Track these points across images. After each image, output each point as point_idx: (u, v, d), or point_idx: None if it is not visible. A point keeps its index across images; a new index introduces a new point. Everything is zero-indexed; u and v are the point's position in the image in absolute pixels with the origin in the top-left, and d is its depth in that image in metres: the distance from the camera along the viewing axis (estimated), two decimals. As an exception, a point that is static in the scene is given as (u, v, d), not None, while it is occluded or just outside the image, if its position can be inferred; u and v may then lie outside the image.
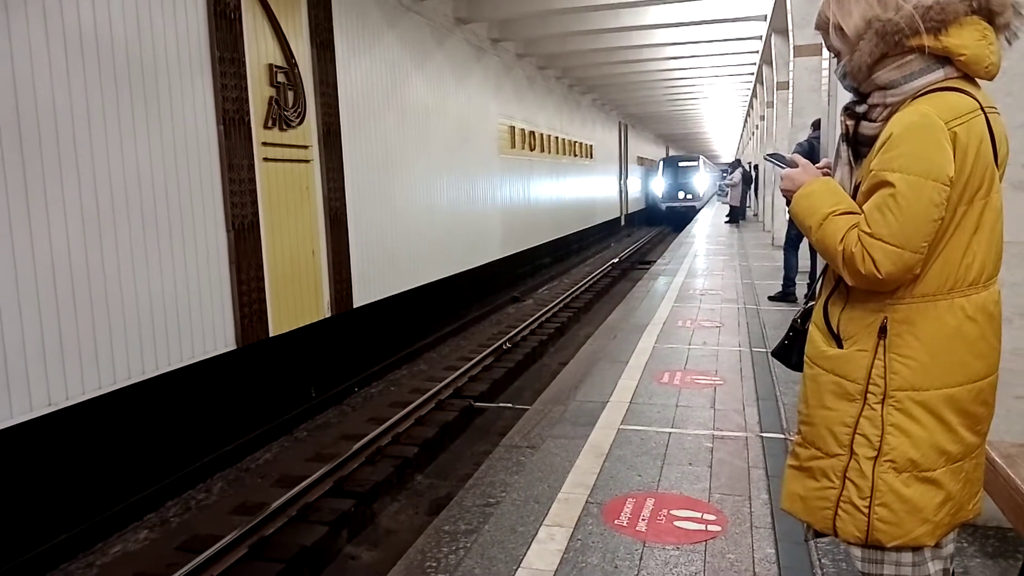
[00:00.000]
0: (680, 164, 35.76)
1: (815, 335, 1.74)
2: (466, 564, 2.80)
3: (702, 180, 35.83)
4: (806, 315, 1.88)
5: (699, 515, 3.15)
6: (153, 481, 5.96)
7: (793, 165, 1.80)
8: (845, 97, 1.79)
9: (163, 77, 6.04)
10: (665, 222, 34.56)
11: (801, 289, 8.24)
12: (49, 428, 5.06)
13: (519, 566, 2.77)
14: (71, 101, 5.19)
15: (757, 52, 16.78)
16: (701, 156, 37.75)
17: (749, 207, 24.57)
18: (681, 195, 34.57)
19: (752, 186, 23.33)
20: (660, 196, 35.27)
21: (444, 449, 7.33)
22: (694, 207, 33.32)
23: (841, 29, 1.67)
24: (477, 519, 3.15)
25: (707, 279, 10.45)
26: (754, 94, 22.31)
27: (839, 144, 1.78)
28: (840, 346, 1.67)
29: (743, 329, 6.98)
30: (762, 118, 19.76)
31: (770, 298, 8.48)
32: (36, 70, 4.93)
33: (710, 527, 3.04)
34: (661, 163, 36.39)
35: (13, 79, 4.77)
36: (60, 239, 5.10)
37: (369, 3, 9.46)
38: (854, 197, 1.65)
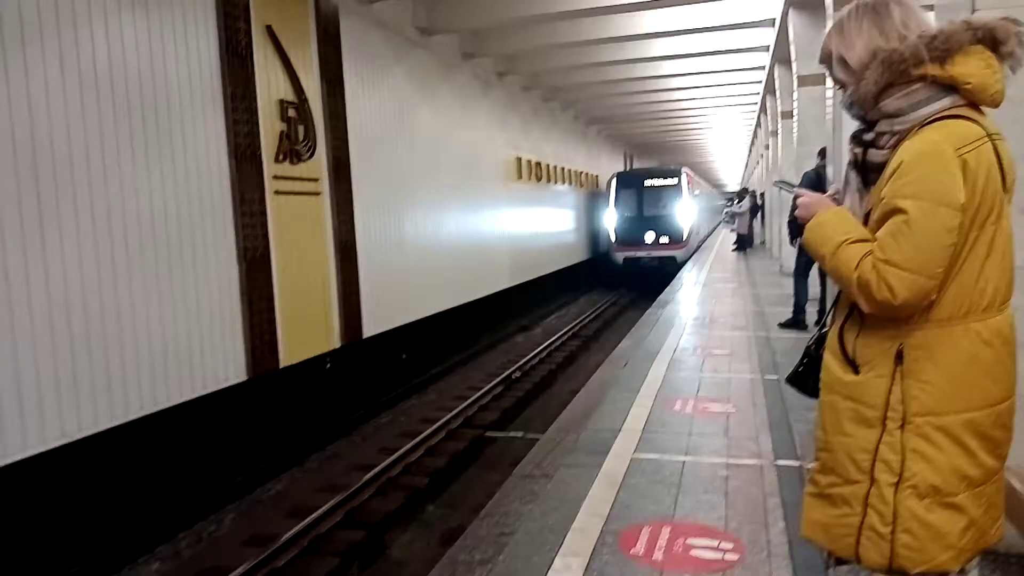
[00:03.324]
0: (647, 184, 21.26)
1: (830, 362, 1.74)
2: (482, 595, 2.78)
3: (686, 211, 20.81)
4: (820, 341, 1.89)
5: (716, 543, 3.12)
6: (165, 513, 5.94)
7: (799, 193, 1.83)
8: (851, 126, 1.83)
9: (176, 113, 6.15)
10: (620, 284, 21.23)
11: (811, 316, 8.22)
12: (63, 460, 5.07)
13: (536, 596, 2.75)
14: (86, 137, 5.29)
15: (761, 82, 16.95)
16: (685, 170, 22.40)
17: (757, 234, 24.57)
18: (649, 238, 20.47)
19: (759, 214, 23.37)
20: (614, 240, 21.00)
21: (455, 479, 7.30)
22: (673, 259, 19.78)
23: (845, 61, 1.71)
24: (492, 549, 3.13)
25: (716, 306, 10.44)
26: (758, 124, 22.47)
27: (848, 171, 1.81)
28: (856, 372, 1.67)
29: (754, 356, 6.96)
30: (767, 147, 19.88)
31: (780, 325, 8.47)
32: (51, 106, 5.03)
33: (727, 556, 3.02)
34: (614, 182, 21.60)
35: (30, 115, 4.87)
36: (74, 272, 5.16)
37: (377, 39, 9.63)
38: (865, 223, 1.68)
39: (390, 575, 5.47)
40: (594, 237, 23.38)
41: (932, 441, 1.59)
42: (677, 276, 15.76)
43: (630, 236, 20.82)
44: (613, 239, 21.12)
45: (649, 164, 35.44)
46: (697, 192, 24.38)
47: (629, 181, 21.79)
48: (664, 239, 20.57)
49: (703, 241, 27.33)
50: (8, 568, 4.85)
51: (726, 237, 27.15)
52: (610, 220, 21.34)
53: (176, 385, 6.07)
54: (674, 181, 21.32)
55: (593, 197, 23.21)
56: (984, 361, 1.59)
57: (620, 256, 20.96)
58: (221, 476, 6.64)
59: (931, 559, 1.60)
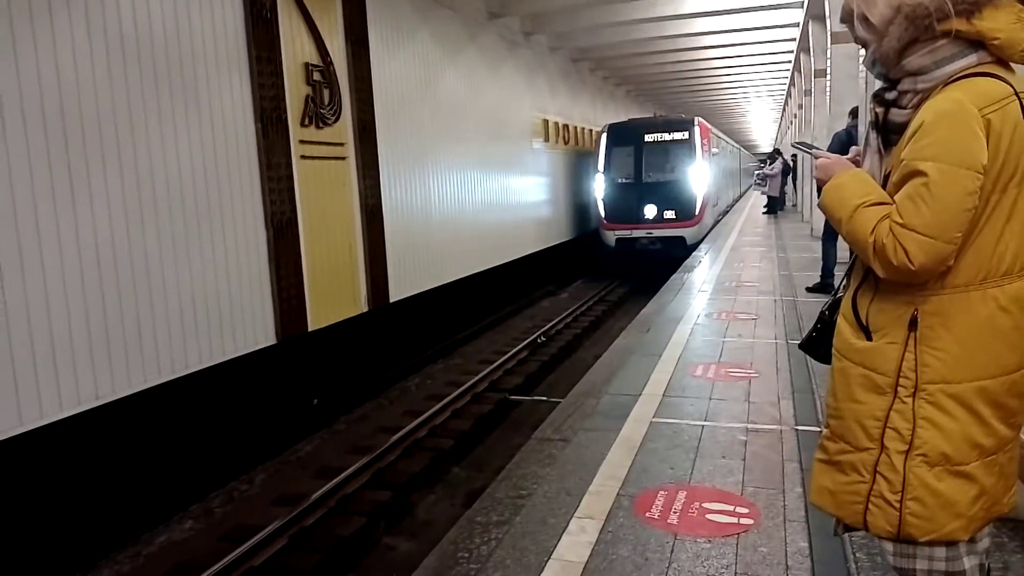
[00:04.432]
0: (648, 139, 16.17)
1: (843, 327, 1.72)
2: (498, 555, 2.83)
3: (700, 176, 15.74)
4: (834, 306, 1.86)
5: (731, 508, 3.13)
6: (197, 473, 6.11)
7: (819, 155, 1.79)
8: (878, 84, 1.77)
9: (202, 76, 6.16)
10: (611, 269, 16.96)
11: (840, 281, 8.10)
12: (95, 422, 5.22)
13: (550, 557, 2.79)
14: (113, 100, 5.33)
15: (794, 40, 16.50)
16: (699, 120, 16.48)
17: (788, 195, 24.13)
18: (650, 212, 15.71)
19: (791, 176, 22.95)
20: (603, 214, 16.23)
21: (480, 442, 7.39)
22: (682, 241, 15.39)
23: (867, 19, 1.65)
24: (509, 511, 3.18)
25: (743, 270, 10.32)
26: (792, 82, 21.95)
27: (868, 132, 1.76)
28: (869, 338, 1.65)
29: (779, 321, 6.89)
30: (800, 107, 19.43)
31: (808, 289, 8.37)
32: (79, 69, 5.07)
33: (743, 520, 3.03)
34: (604, 137, 16.49)
35: (57, 78, 4.91)
36: (105, 236, 5.24)
37: (403, 0, 9.52)
38: (884, 185, 1.63)
39: (415, 535, 5.58)
40: None
41: (944, 409, 1.56)
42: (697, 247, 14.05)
43: (625, 209, 15.82)
44: (602, 213, 16.13)
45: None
46: (716, 150, 18.56)
47: (624, 135, 16.34)
48: (669, 213, 15.59)
49: (724, 214, 21.59)
50: (45, 527, 5.04)
51: (757, 200, 26.67)
52: (599, 188, 16.26)
53: (207, 348, 6.17)
54: (683, 135, 15.95)
55: None
56: (1001, 328, 1.55)
57: (611, 236, 16.01)
58: (252, 437, 6.80)
59: (940, 528, 1.58)
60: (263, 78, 6.79)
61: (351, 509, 5.64)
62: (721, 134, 22.77)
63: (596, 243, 16.68)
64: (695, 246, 14.61)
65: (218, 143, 6.32)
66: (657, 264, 14.32)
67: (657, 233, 15.62)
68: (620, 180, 16.12)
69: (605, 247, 16.34)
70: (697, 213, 15.59)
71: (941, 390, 1.56)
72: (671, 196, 15.66)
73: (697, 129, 15.89)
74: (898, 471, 1.60)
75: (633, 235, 15.75)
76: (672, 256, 14.08)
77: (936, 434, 1.57)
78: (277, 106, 6.98)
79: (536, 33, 14.48)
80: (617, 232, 15.89)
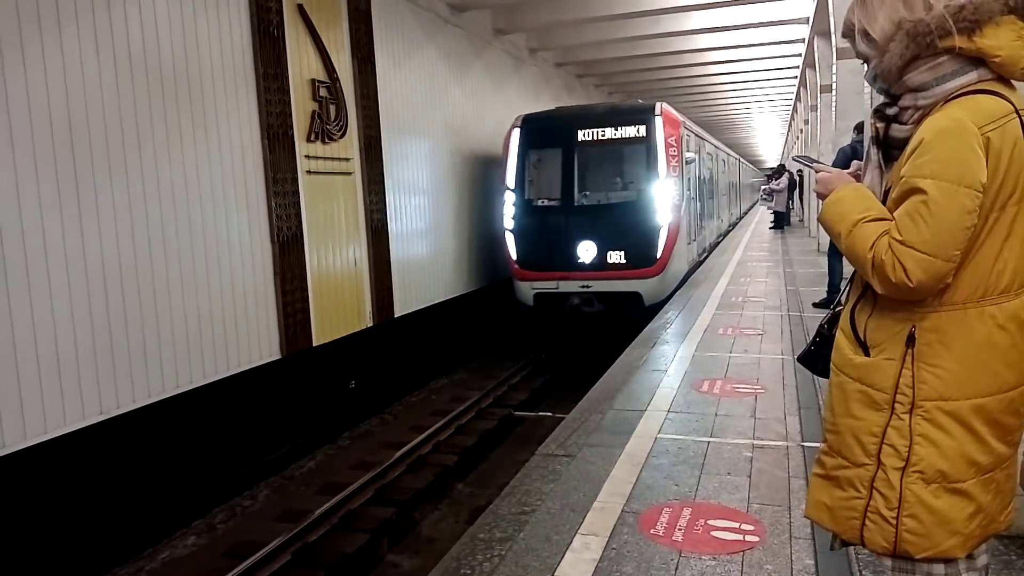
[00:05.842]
0: (584, 139, 10.11)
1: (842, 342, 1.71)
2: (501, 572, 2.80)
3: (666, 195, 9.74)
4: (833, 320, 1.85)
5: (737, 525, 3.10)
6: (201, 488, 6.10)
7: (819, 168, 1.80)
8: (882, 99, 1.77)
9: (209, 93, 6.22)
10: (527, 346, 11.26)
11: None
12: (100, 436, 5.22)
13: (553, 574, 2.76)
14: (120, 116, 5.39)
15: (800, 55, 16.55)
16: (663, 107, 10.09)
17: (793, 210, 24.11)
18: (585, 253, 9.90)
19: (797, 191, 22.95)
20: (515, 256, 10.22)
21: (485, 458, 7.37)
22: (637, 298, 9.80)
23: (867, 34, 1.66)
24: (512, 527, 3.15)
25: (750, 286, 10.28)
26: (798, 98, 21.98)
27: (869, 147, 1.76)
28: (867, 354, 1.64)
29: (786, 337, 6.86)
30: (806, 122, 19.46)
31: (815, 305, 8.33)
32: (87, 86, 5.13)
33: (748, 537, 3.00)
34: (515, 139, 10.21)
35: (66, 94, 4.98)
36: (111, 249, 5.28)
37: (409, 17, 9.61)
38: (884, 201, 1.63)
39: (419, 551, 5.56)
40: None
41: (941, 426, 1.55)
42: (695, 272, 10.65)
43: (547, 249, 10.18)
44: (512, 254, 10.38)
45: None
46: (693, 155, 11.68)
47: (546, 132, 10.53)
48: (616, 255, 9.99)
49: (712, 250, 15.36)
50: (48, 541, 5.03)
51: (763, 215, 26.58)
52: (507, 214, 10.41)
53: (211, 363, 6.19)
54: (639, 131, 10.11)
55: None
56: (998, 346, 1.54)
57: (527, 289, 10.31)
58: (256, 452, 6.79)
59: (936, 545, 1.57)
60: (270, 94, 6.85)
61: (355, 525, 5.63)
62: (706, 134, 15.67)
63: (510, 298, 10.90)
64: (658, 307, 9.25)
65: (224, 158, 6.37)
66: (599, 335, 9.78)
67: (597, 287, 10.02)
68: (540, 203, 10.44)
69: (520, 305, 10.56)
70: (660, 255, 9.92)
71: (938, 407, 1.55)
72: (619, 228, 10.01)
73: (659, 121, 10.00)
74: (894, 487, 1.58)
75: (560, 289, 10.13)
76: (624, 320, 9.25)
77: (933, 451, 1.56)
78: (284, 122, 7.04)
79: (542, 49, 14.58)
80: (536, 284, 10.22)
